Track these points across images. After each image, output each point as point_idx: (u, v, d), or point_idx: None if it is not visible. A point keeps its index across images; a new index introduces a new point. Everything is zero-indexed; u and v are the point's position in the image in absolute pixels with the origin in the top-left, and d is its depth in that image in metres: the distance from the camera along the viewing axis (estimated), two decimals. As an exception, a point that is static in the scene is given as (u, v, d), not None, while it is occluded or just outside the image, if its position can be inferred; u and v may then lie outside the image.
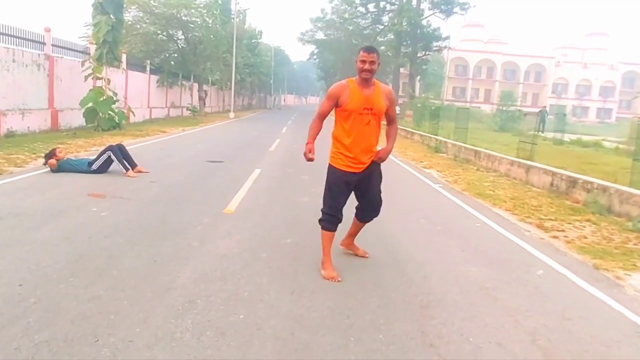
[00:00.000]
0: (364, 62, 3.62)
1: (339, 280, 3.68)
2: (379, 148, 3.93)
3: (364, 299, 3.40)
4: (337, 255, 4.28)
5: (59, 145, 9.71)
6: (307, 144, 3.72)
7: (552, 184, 8.47)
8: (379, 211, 4.13)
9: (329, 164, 3.87)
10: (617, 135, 24.54)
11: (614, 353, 2.91)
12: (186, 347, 2.59)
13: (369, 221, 4.21)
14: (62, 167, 7.57)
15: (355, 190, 3.97)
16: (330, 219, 3.84)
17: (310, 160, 3.70)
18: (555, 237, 5.59)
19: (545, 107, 35.49)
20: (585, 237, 5.60)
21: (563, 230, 5.88)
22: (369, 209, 4.10)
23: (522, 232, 5.72)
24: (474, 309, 3.37)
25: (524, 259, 4.71)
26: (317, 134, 3.85)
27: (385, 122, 4.05)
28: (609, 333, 3.15)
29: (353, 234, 4.31)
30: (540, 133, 19.35)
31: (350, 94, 3.68)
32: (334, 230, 3.88)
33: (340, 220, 3.88)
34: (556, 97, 60.73)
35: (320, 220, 3.90)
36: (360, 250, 4.35)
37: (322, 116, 3.83)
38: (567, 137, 20.59)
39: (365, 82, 3.69)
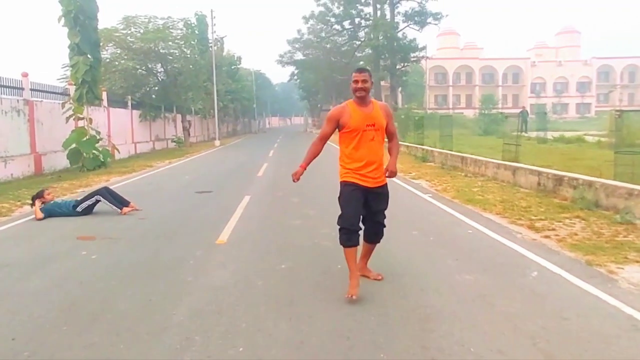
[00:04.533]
0: (356, 81, 3.80)
1: (354, 298, 3.64)
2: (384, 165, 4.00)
3: (363, 319, 3.38)
4: (333, 275, 4.27)
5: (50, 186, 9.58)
6: (300, 165, 3.89)
7: (539, 184, 8.57)
8: (381, 236, 4.11)
9: (340, 182, 3.92)
10: (598, 128, 24.98)
11: (614, 349, 2.92)
12: (186, 386, 2.55)
13: (376, 242, 4.17)
14: (48, 210, 7.42)
15: (363, 207, 3.90)
16: (348, 233, 3.75)
17: (295, 180, 3.88)
18: (546, 236, 5.63)
19: (524, 107, 36.01)
20: (576, 234, 5.65)
21: (554, 229, 5.93)
22: (372, 231, 4.07)
23: (514, 235, 5.76)
24: (472, 318, 3.37)
25: (518, 262, 4.73)
26: (315, 157, 3.97)
27: (387, 139, 4.10)
28: (607, 329, 3.17)
29: (364, 256, 4.21)
30: (523, 133, 19.63)
31: (351, 114, 3.80)
32: (356, 244, 3.80)
33: (357, 231, 3.80)
34: (535, 96, 61.89)
35: (339, 239, 3.82)
36: (373, 273, 4.22)
37: (323, 138, 3.97)
38: (550, 135, 20.85)
39: (362, 100, 3.85)
